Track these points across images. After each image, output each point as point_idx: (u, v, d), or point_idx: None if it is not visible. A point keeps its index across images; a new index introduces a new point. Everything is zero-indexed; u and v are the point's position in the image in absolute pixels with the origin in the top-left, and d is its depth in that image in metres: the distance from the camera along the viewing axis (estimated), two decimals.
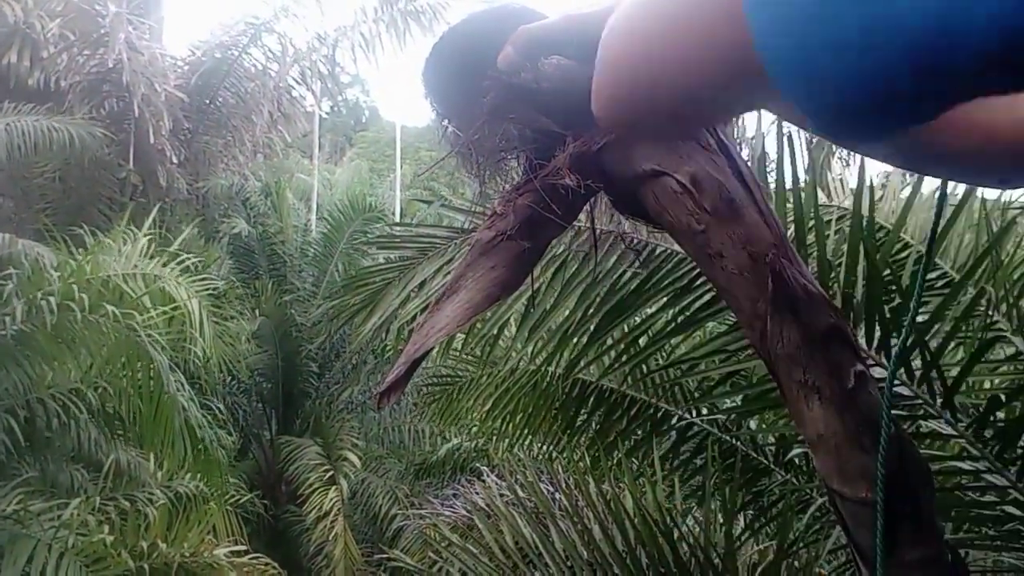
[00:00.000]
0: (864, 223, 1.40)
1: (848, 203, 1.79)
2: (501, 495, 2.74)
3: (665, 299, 1.64)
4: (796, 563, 1.99)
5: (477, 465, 4.99)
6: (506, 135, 0.58)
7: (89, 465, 4.58)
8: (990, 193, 1.75)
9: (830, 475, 0.98)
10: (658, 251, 1.62)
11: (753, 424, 2.29)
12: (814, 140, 2.94)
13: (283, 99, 7.98)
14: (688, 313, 1.61)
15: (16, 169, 6.18)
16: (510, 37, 0.56)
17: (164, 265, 4.31)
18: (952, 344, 1.50)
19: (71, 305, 3.61)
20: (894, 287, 1.41)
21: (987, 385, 1.73)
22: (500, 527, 2.31)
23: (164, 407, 3.90)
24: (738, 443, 2.25)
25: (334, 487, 6.43)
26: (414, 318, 2.03)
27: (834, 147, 3.78)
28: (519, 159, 0.61)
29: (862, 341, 1.31)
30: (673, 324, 1.68)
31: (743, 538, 2.11)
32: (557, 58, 0.55)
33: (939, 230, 0.73)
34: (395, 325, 2.19)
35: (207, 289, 4.74)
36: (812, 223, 1.42)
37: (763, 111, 0.49)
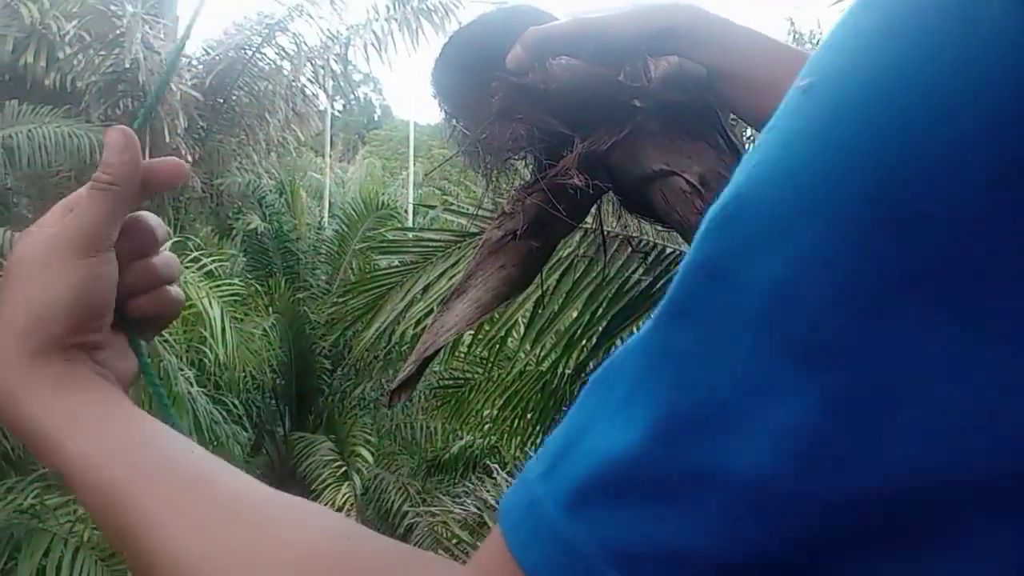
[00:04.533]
0: None
1: None
2: None
3: None
4: None
5: (488, 462, 5.01)
6: (514, 135, 0.59)
7: None
8: None
9: None
10: (667, 252, 1.62)
11: None
12: None
13: (297, 98, 8.01)
14: None
15: (34, 169, 6.24)
16: (519, 37, 0.56)
17: (185, 265, 4.35)
18: None
19: None
20: None
21: None
22: None
23: (174, 405, 3.93)
24: None
25: (347, 483, 6.46)
26: (419, 322, 2.04)
27: None
28: (527, 159, 0.61)
29: None
30: None
31: None
32: (566, 59, 0.56)
33: None
34: (400, 328, 2.20)
35: (229, 293, 4.77)
36: None
37: None
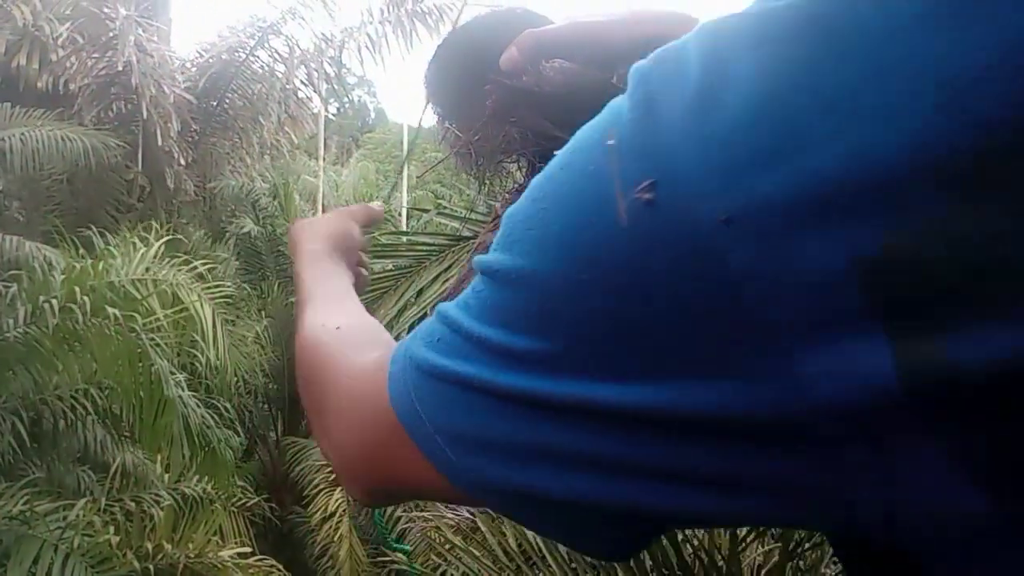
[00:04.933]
0: None
1: None
2: None
3: None
4: (801, 564, 1.98)
5: None
6: (507, 137, 0.59)
7: (96, 466, 4.59)
8: None
9: None
10: None
11: None
12: None
13: (290, 101, 8.00)
14: None
15: (26, 172, 6.21)
16: (515, 40, 0.56)
17: (176, 267, 4.31)
18: None
19: (73, 307, 3.62)
20: None
21: None
22: (503, 529, 2.30)
23: (164, 410, 3.90)
24: None
25: (339, 488, 6.42)
26: (412, 326, 2.03)
27: None
28: (520, 161, 0.61)
29: None
30: None
31: (748, 540, 2.11)
32: (559, 61, 0.55)
33: None
34: (393, 333, 2.18)
35: (221, 295, 4.74)
36: None
37: None
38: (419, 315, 2.02)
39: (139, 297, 3.95)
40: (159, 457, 4.55)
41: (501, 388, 0.31)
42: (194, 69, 7.76)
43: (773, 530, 2.22)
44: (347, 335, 0.49)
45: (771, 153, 0.24)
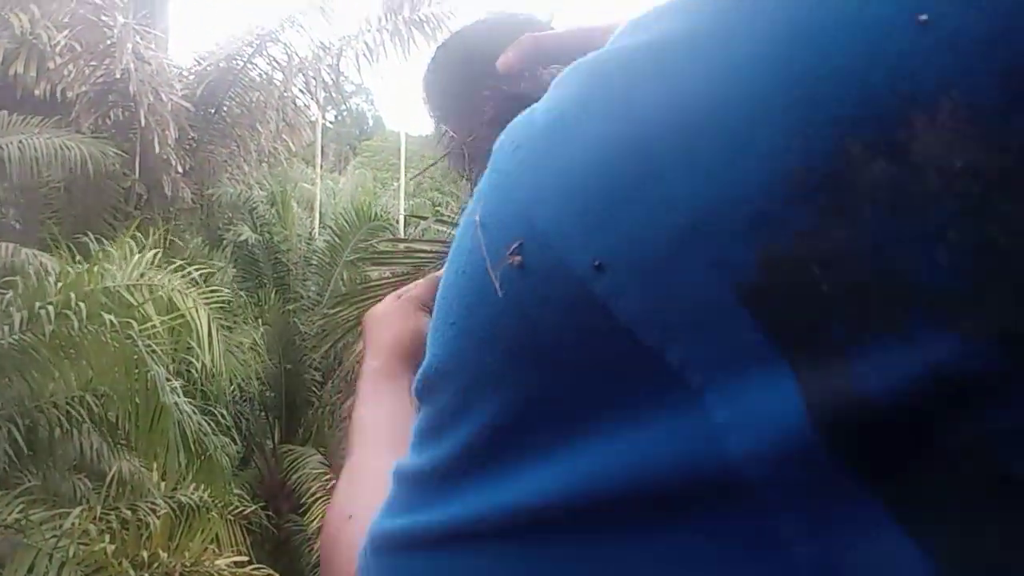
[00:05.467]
0: None
1: None
2: None
3: None
4: None
5: None
6: None
7: (92, 474, 4.57)
8: None
9: None
10: None
11: None
12: None
13: (288, 109, 8.01)
14: None
15: (23, 180, 6.20)
16: (514, 43, 0.56)
17: (173, 272, 4.30)
18: None
19: (68, 313, 3.60)
20: None
21: None
22: None
23: (161, 417, 3.89)
24: None
25: None
26: None
27: None
28: None
29: None
30: None
31: None
32: (556, 67, 0.55)
33: None
34: None
35: (217, 301, 4.73)
36: None
37: None
38: None
39: (135, 303, 3.94)
40: (155, 465, 4.53)
41: (430, 530, 0.27)
42: (192, 77, 7.76)
43: None
44: (361, 520, 0.44)
45: (628, 188, 0.23)
